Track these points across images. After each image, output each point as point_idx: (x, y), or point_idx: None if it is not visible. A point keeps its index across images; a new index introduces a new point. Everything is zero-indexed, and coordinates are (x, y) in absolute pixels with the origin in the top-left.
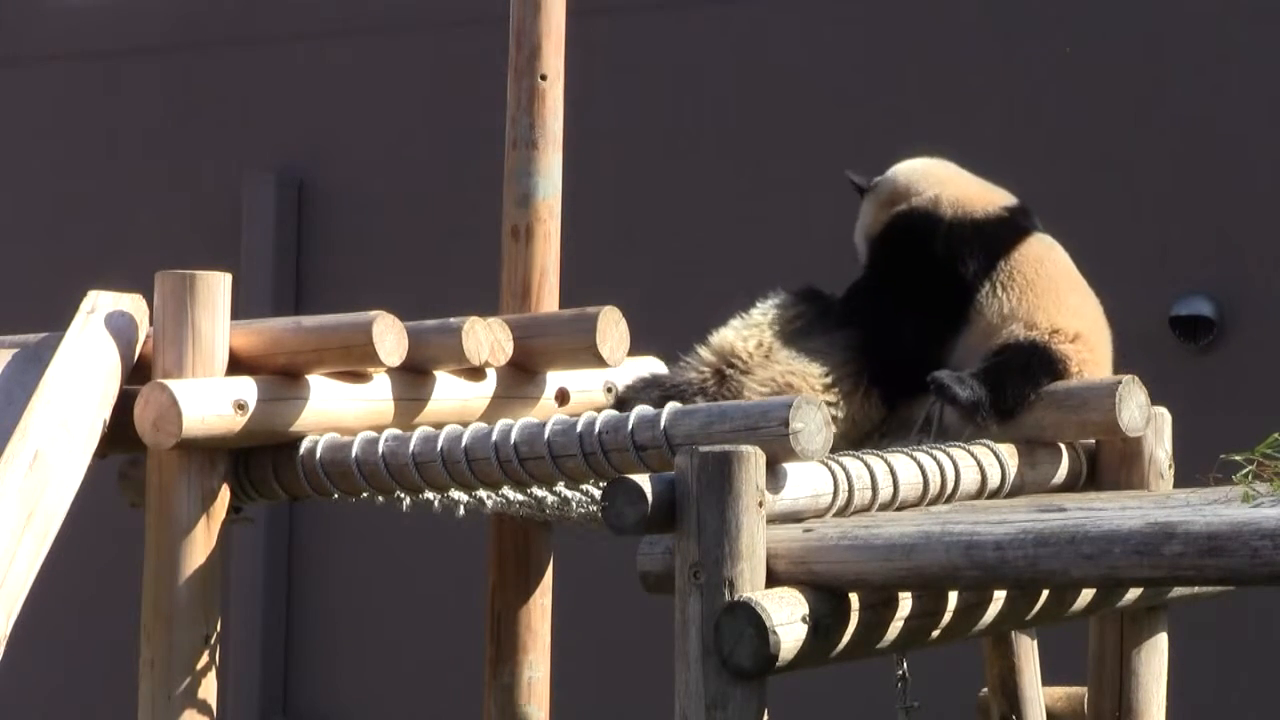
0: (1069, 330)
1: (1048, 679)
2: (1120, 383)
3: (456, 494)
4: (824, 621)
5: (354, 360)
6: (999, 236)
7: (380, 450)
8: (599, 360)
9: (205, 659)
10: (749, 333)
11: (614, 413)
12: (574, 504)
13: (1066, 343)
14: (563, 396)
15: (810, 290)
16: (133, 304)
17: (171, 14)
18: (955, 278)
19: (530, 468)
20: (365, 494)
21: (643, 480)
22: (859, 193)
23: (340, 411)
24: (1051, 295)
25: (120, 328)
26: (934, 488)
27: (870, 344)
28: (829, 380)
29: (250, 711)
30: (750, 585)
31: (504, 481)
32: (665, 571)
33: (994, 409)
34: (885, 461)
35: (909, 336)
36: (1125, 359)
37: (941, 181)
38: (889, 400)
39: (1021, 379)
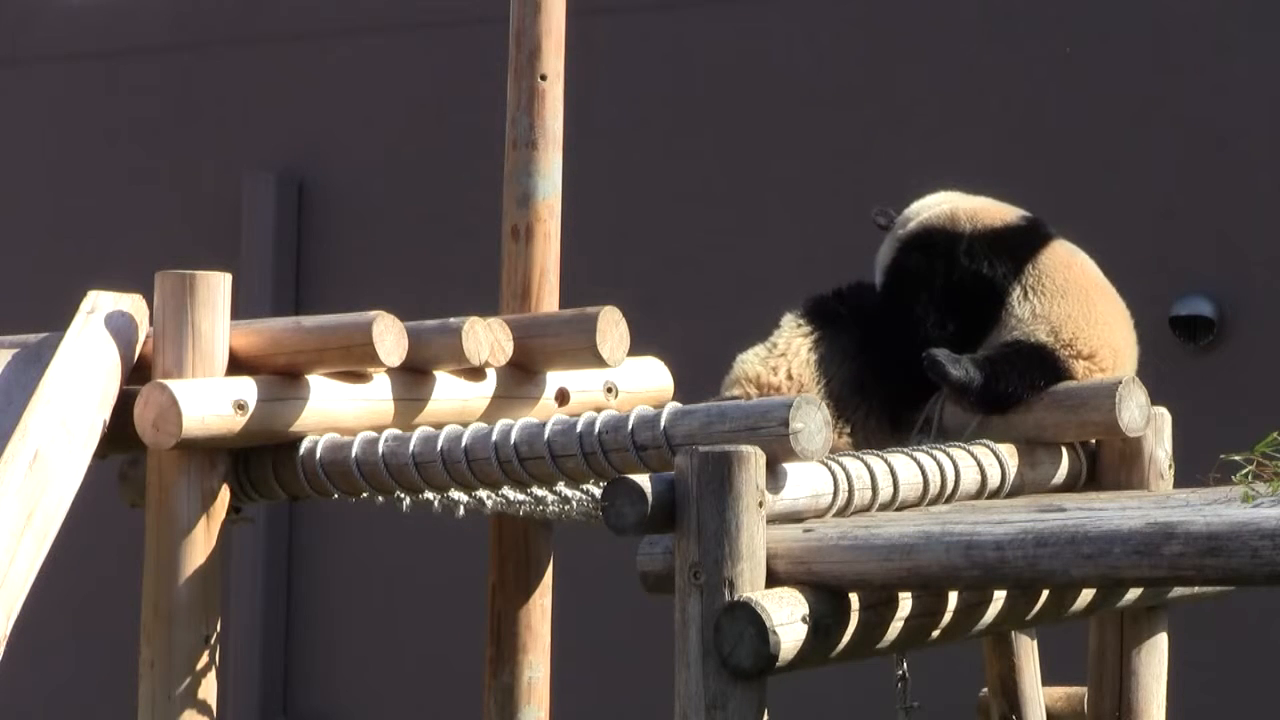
0: (1086, 347)
1: (1048, 679)
2: (1120, 383)
3: (456, 494)
4: (824, 621)
5: (354, 360)
6: (1022, 242)
7: (380, 450)
8: (599, 360)
9: (205, 659)
10: (776, 363)
11: (614, 413)
12: (574, 504)
13: (1078, 358)
14: (563, 396)
15: (819, 305)
16: (133, 304)
17: (171, 14)
18: (983, 282)
19: (530, 468)
20: (365, 494)
21: (643, 480)
22: (884, 231)
23: (340, 411)
24: (1082, 304)
25: (120, 328)
26: (934, 488)
27: (880, 365)
28: (848, 413)
29: (250, 711)
30: (750, 585)
31: (504, 481)
32: (665, 571)
33: (984, 394)
34: (885, 461)
35: (925, 347)
36: None
37: (954, 199)
38: (894, 418)
39: (1019, 374)
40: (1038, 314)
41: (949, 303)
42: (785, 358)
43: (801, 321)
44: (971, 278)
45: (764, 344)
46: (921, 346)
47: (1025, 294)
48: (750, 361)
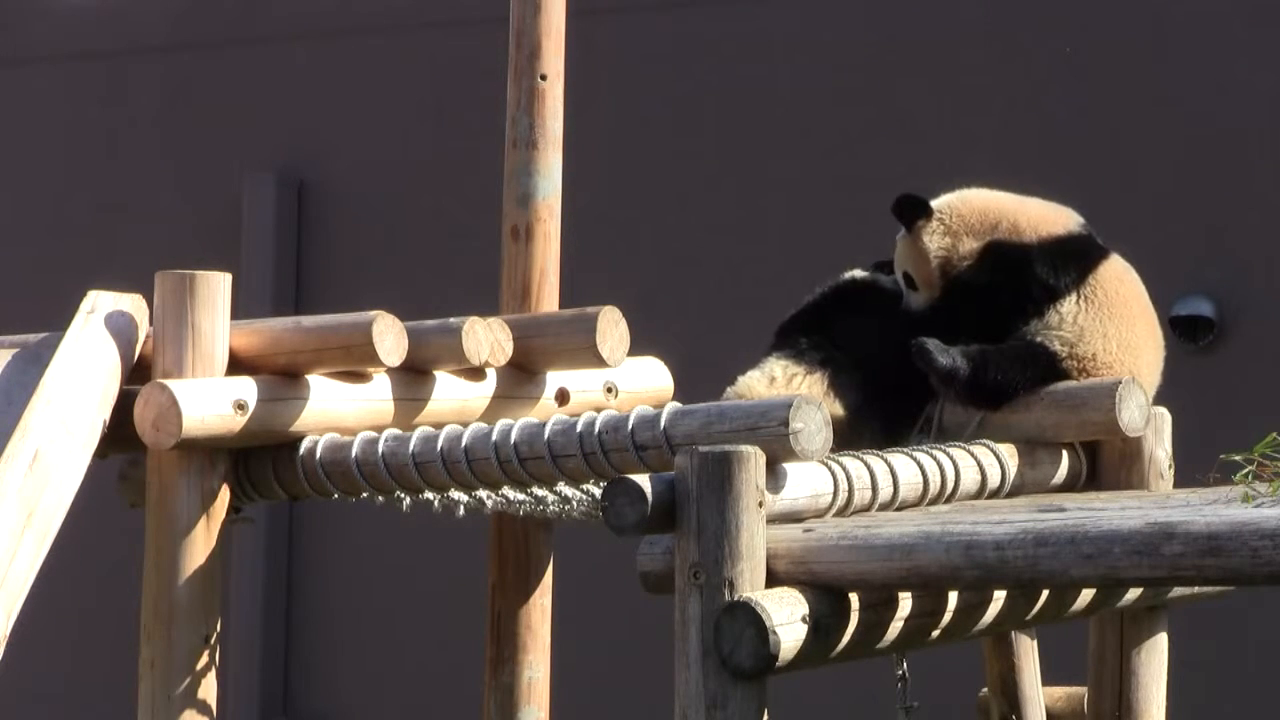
0: (1100, 365)
1: (1048, 679)
2: (1120, 383)
3: (456, 494)
4: (824, 621)
5: (354, 360)
6: (1085, 253)
7: (380, 450)
8: (599, 360)
9: (205, 659)
10: (777, 392)
11: (614, 413)
12: (574, 504)
13: (1083, 372)
14: (563, 396)
15: (809, 347)
16: (133, 304)
17: (171, 14)
18: (1047, 290)
19: (530, 468)
20: (365, 494)
21: (643, 480)
22: (911, 218)
23: (340, 411)
24: (1119, 319)
25: (120, 328)
26: (934, 488)
27: (881, 393)
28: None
29: (250, 711)
30: (750, 585)
31: (504, 481)
32: (665, 571)
33: (970, 385)
34: (885, 461)
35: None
36: None
37: (1004, 207)
38: (892, 441)
39: (1009, 368)
40: (1076, 323)
41: (1002, 312)
42: (787, 390)
43: (788, 362)
44: (1039, 287)
45: (759, 371)
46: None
47: (1077, 299)
48: (755, 387)
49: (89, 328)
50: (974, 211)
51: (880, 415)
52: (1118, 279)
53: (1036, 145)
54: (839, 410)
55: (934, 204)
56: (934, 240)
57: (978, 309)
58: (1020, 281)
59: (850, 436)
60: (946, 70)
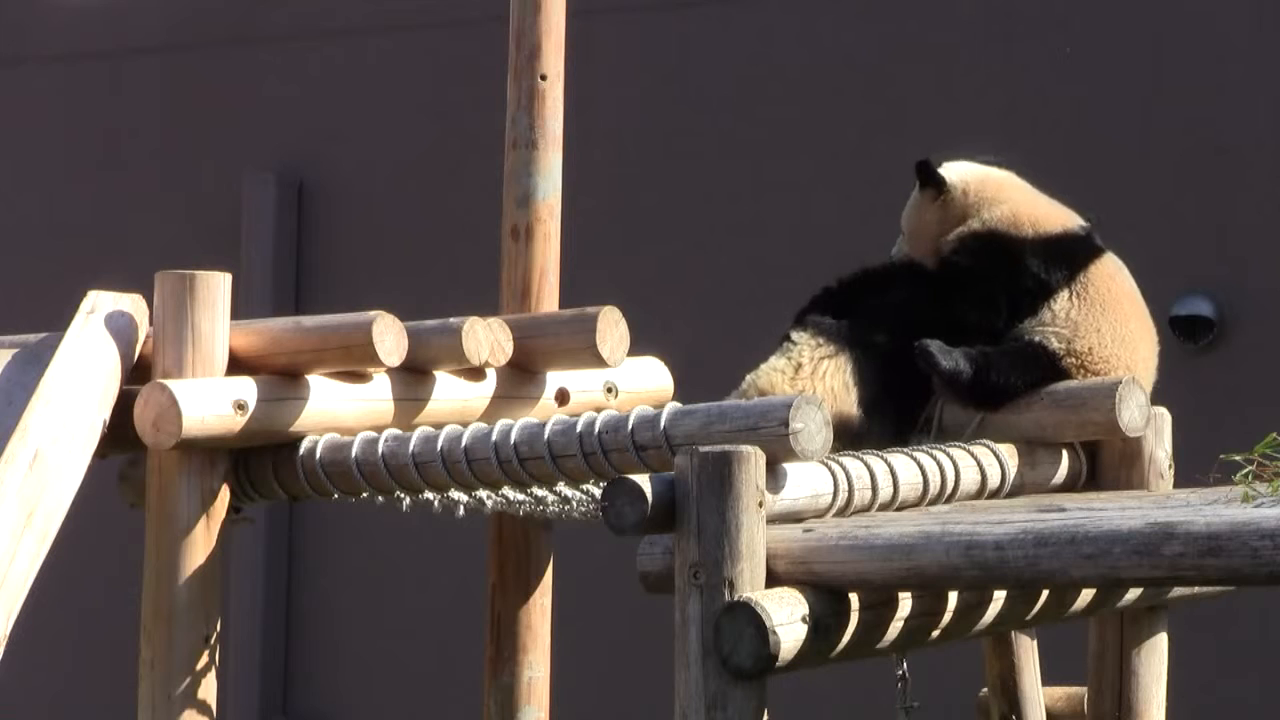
0: (1098, 361)
1: (1048, 679)
2: (1120, 383)
3: (456, 494)
4: (824, 621)
5: (354, 360)
6: (1078, 252)
7: (380, 450)
8: (599, 360)
9: (205, 659)
10: (803, 385)
11: (614, 413)
12: (574, 504)
13: (1081, 369)
14: (563, 396)
15: (835, 326)
16: (133, 304)
17: (171, 14)
18: (1040, 285)
19: (530, 468)
20: (365, 494)
21: (643, 480)
22: (925, 183)
23: (340, 411)
24: (1113, 321)
25: (120, 328)
26: (934, 488)
27: (900, 383)
28: (863, 433)
29: (250, 711)
30: (750, 585)
31: (504, 481)
32: (665, 571)
33: (973, 386)
34: (885, 461)
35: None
36: None
37: (1012, 197)
38: (901, 435)
39: (1010, 370)
40: (1069, 318)
41: (996, 303)
42: (811, 380)
43: (821, 341)
44: (1031, 280)
45: (784, 359)
46: (955, 341)
47: (1069, 297)
48: (776, 378)
49: (89, 328)
50: (977, 198)
51: (893, 408)
52: (1109, 276)
53: (1036, 145)
54: (856, 399)
55: (949, 180)
56: (928, 211)
57: (966, 296)
58: (1011, 274)
59: (866, 426)
60: (947, 70)
